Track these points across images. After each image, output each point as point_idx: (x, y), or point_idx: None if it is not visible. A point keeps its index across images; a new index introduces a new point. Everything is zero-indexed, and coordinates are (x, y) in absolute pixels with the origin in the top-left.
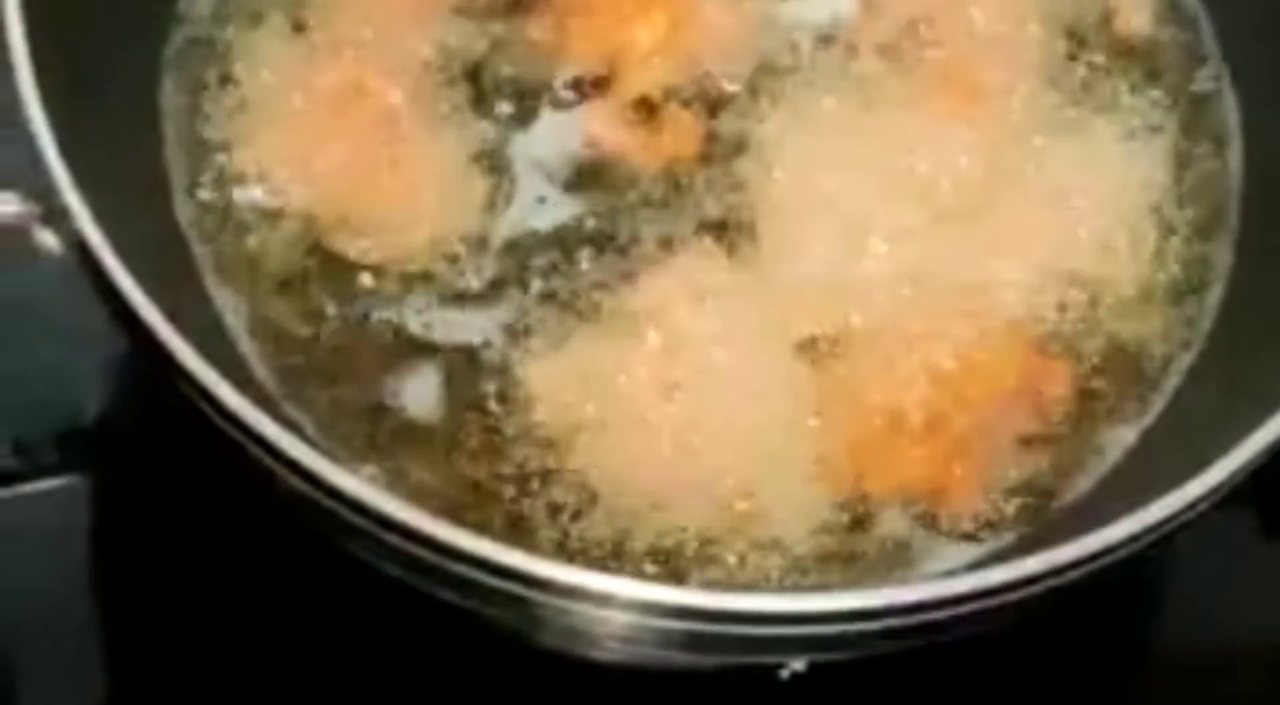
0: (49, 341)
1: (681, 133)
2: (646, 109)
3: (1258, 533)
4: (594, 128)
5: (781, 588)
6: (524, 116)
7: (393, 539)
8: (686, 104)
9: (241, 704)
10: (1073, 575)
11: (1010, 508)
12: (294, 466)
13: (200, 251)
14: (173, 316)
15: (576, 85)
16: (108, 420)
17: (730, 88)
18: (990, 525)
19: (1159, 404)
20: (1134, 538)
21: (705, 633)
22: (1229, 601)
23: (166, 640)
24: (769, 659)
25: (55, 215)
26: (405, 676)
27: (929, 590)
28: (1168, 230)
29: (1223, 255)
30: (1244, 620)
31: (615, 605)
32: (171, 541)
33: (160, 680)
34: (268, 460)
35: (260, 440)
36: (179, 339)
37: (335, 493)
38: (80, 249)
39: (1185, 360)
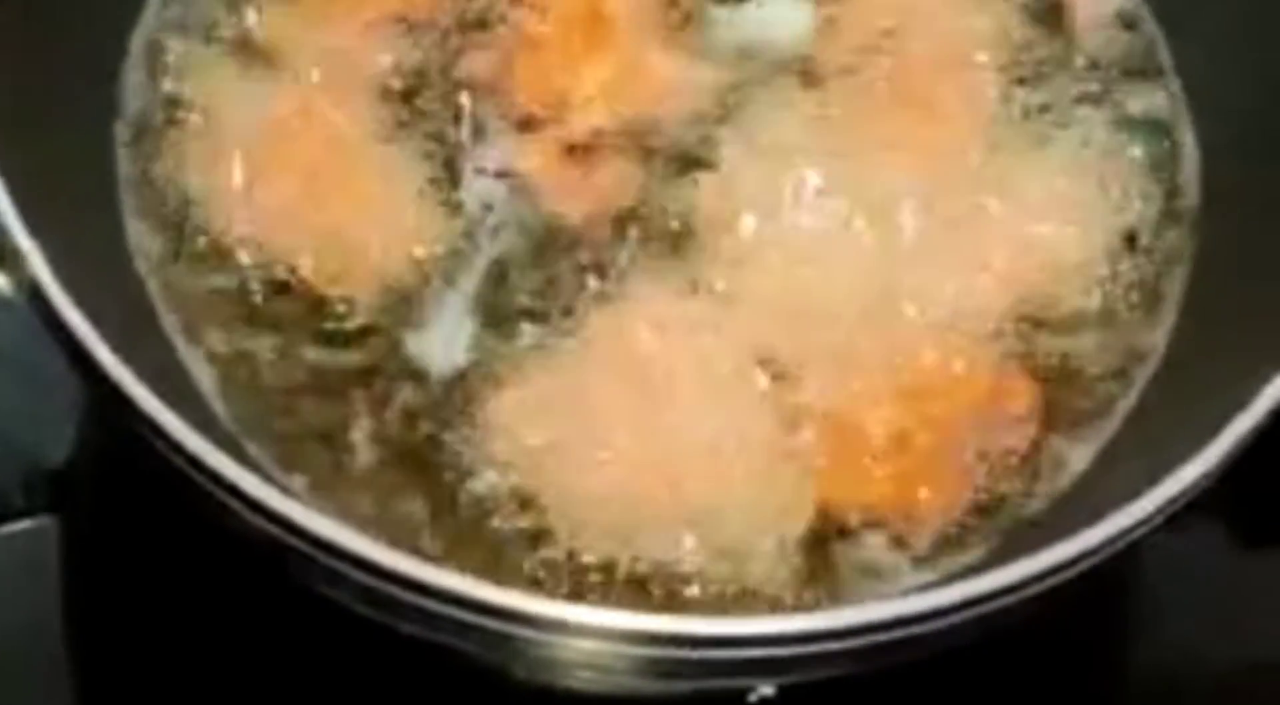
0: (12, 385)
1: (619, 178)
2: (585, 151)
3: (1235, 546)
4: (535, 167)
5: (750, 611)
6: (473, 147)
7: (355, 574)
8: (627, 146)
9: None
10: (1033, 589)
11: (976, 524)
12: (251, 503)
13: (156, 288)
14: (129, 357)
15: (521, 123)
16: (73, 462)
17: (677, 125)
18: (957, 542)
19: (1118, 418)
20: (1089, 553)
21: (670, 658)
22: (1207, 616)
23: (134, 679)
24: (738, 683)
25: (8, 257)
26: None
27: (888, 609)
28: (1124, 246)
29: (1178, 270)
30: (1222, 635)
31: (577, 633)
32: (138, 581)
33: None
34: (227, 498)
35: (217, 478)
36: (132, 378)
37: (293, 527)
38: (33, 291)
39: (1143, 375)
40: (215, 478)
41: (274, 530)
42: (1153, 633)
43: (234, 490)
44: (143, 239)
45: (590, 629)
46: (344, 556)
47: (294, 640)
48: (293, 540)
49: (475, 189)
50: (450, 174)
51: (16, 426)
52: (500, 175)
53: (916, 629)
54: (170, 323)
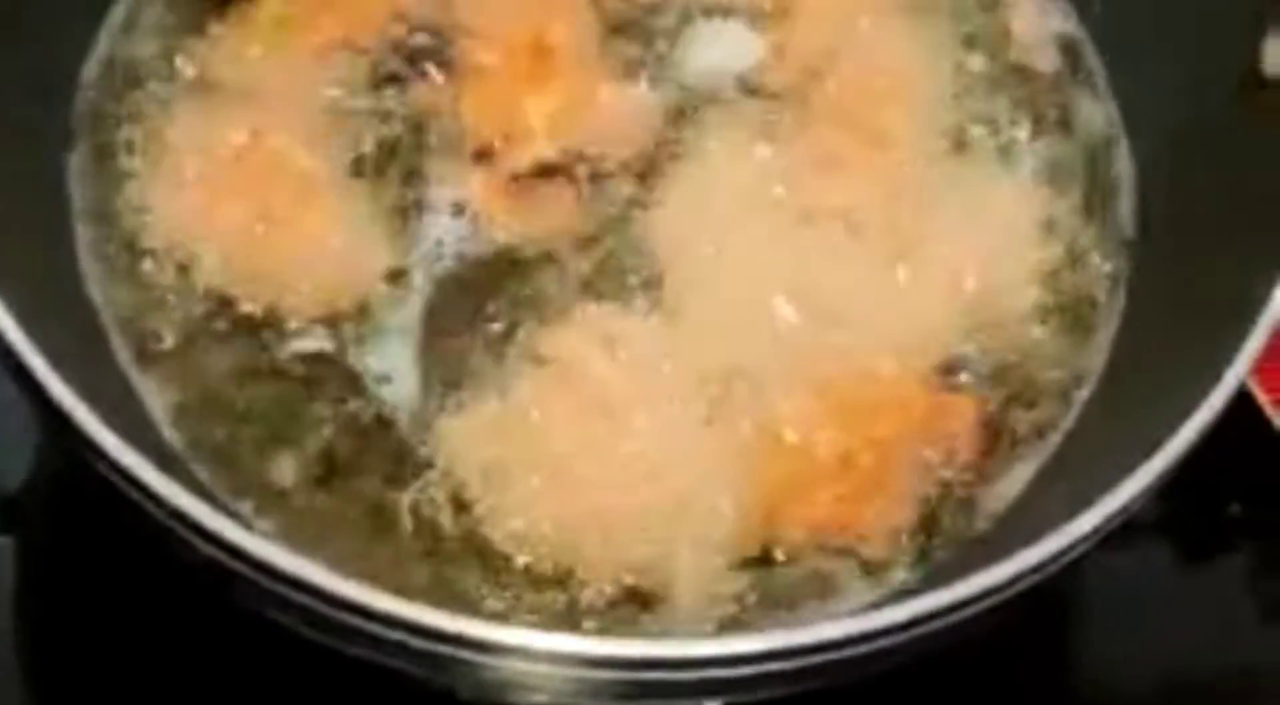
0: None
1: (568, 206)
2: (533, 180)
3: (1177, 563)
4: (484, 196)
5: (700, 628)
6: (423, 176)
7: (297, 597)
8: (575, 175)
9: None
10: (974, 609)
11: (920, 542)
12: (193, 527)
13: (108, 315)
14: (78, 382)
15: (470, 153)
16: (30, 486)
17: (625, 153)
18: (901, 560)
19: (1059, 436)
20: (1028, 571)
21: (612, 680)
22: (1150, 632)
23: (85, 694)
24: (682, 703)
25: None
26: None
27: (831, 630)
28: (1062, 267)
29: (1118, 291)
30: (1166, 649)
31: (520, 657)
32: (92, 601)
33: None
34: (168, 521)
35: (158, 501)
36: (76, 401)
37: (233, 551)
38: None
39: (1081, 395)
40: (156, 500)
41: (215, 553)
42: (1095, 647)
43: (175, 513)
44: (95, 265)
45: (533, 653)
46: (285, 580)
47: (244, 662)
48: (233, 564)
49: (425, 217)
50: (400, 203)
51: None
52: (450, 205)
53: (859, 649)
54: (122, 348)
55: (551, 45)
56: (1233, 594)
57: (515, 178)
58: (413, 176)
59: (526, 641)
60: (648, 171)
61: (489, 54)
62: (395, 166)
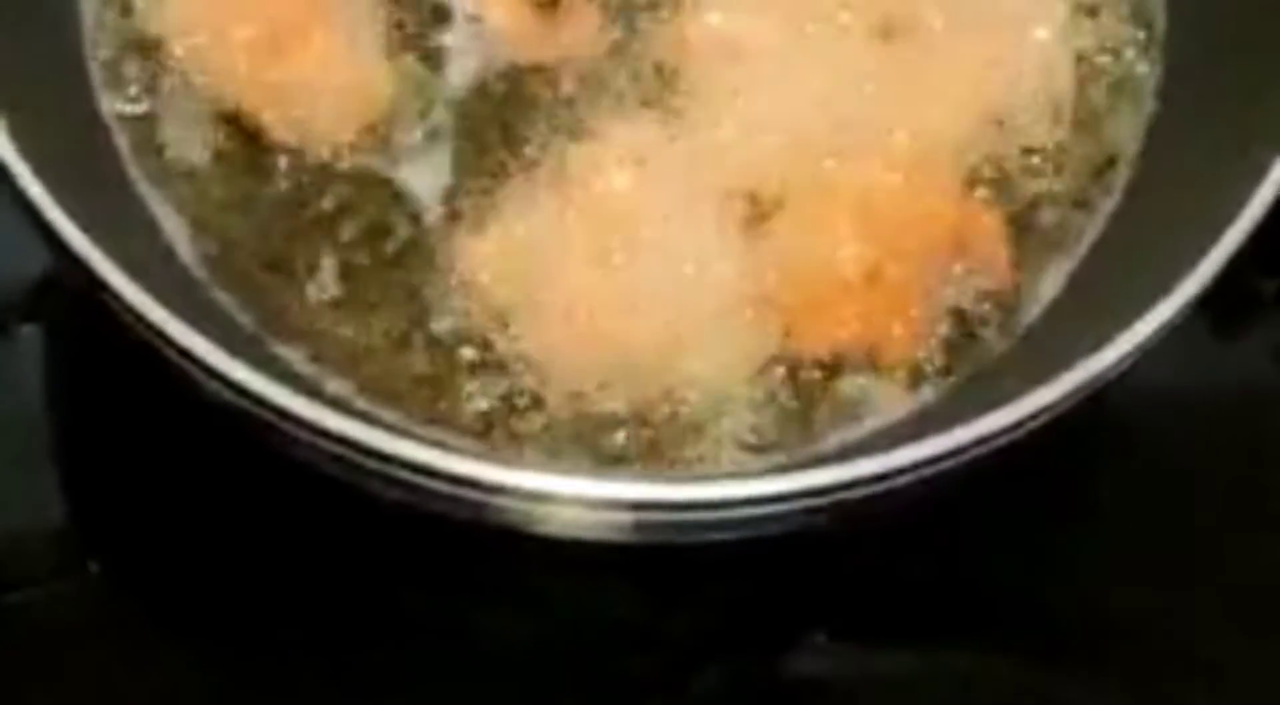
0: None
1: (589, 23)
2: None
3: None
4: (503, 15)
5: (723, 455)
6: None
7: (312, 439)
8: None
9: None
10: (1003, 440)
11: (950, 357)
12: (219, 377)
13: (122, 140)
14: (92, 215)
15: None
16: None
17: None
18: (927, 374)
19: (1088, 243)
20: (1060, 401)
21: (633, 521)
22: (1178, 407)
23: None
24: (700, 538)
25: None
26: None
27: (852, 470)
28: (1088, 73)
29: (1143, 97)
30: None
31: (530, 498)
32: (124, 390)
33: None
34: (187, 366)
35: (176, 346)
36: (90, 244)
37: (262, 401)
38: None
39: (1112, 201)
40: (173, 345)
41: (239, 401)
42: (1122, 423)
43: (191, 357)
44: (111, 91)
45: (542, 495)
46: (303, 425)
47: (264, 493)
48: (260, 413)
49: (445, 34)
50: (419, 17)
51: None
52: (470, 19)
53: (890, 484)
54: (138, 172)
55: None
56: (1262, 367)
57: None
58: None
59: (536, 485)
60: None
61: None
62: None
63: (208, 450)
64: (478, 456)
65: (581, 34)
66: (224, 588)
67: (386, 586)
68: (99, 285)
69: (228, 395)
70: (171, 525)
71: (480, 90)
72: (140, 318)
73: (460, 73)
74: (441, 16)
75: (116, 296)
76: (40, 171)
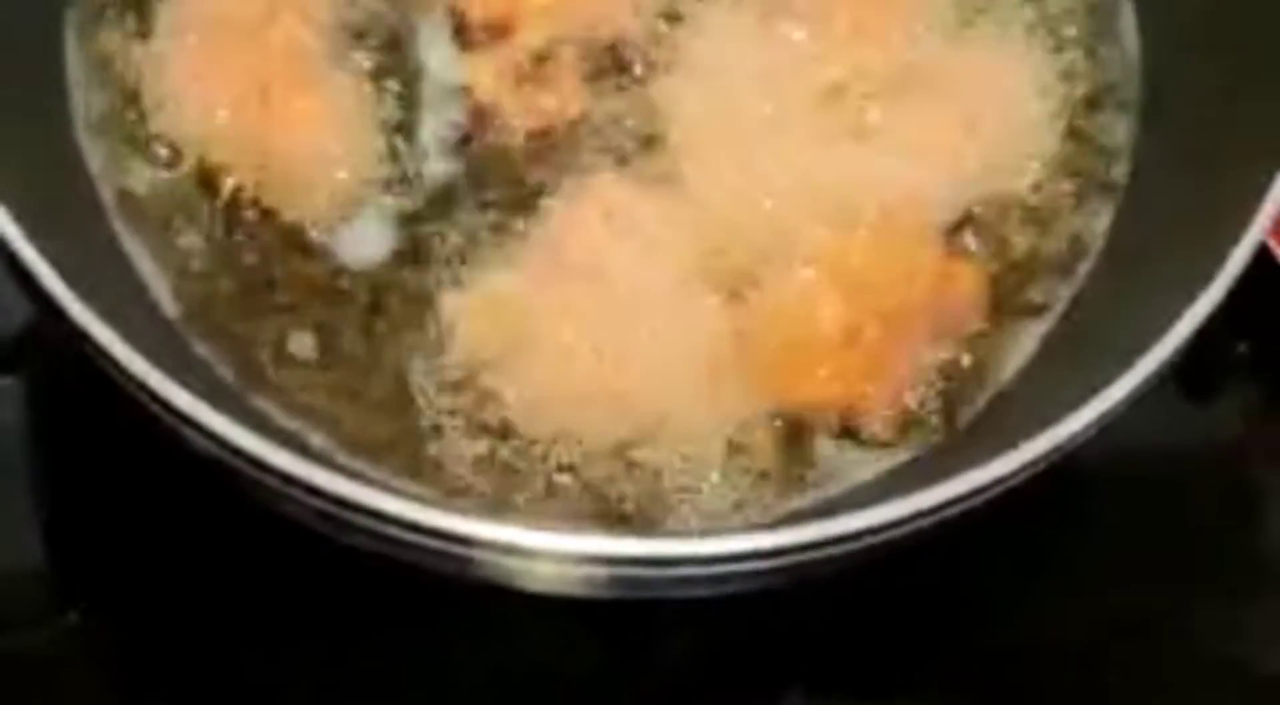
0: None
1: (571, 89)
2: (536, 66)
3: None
4: (485, 83)
5: (700, 511)
6: (424, 60)
7: (292, 492)
8: (577, 57)
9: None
10: (974, 501)
11: (925, 416)
12: (195, 426)
13: (105, 193)
14: (73, 270)
15: (470, 39)
16: (35, 323)
17: (627, 32)
18: (903, 434)
19: (1065, 304)
20: (1035, 460)
21: (609, 576)
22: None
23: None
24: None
25: None
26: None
27: (829, 528)
28: (1066, 136)
29: (1120, 161)
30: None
31: (504, 552)
32: (103, 440)
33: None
34: (170, 420)
35: (161, 401)
36: (75, 299)
37: (239, 452)
38: None
39: (1088, 264)
40: (155, 397)
41: (219, 452)
42: (1097, 485)
43: (171, 409)
44: (94, 145)
45: (516, 548)
46: (281, 476)
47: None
48: (239, 464)
49: (425, 100)
50: (400, 85)
51: None
52: (452, 90)
53: (859, 544)
54: (122, 228)
55: None
56: (1236, 433)
57: (519, 64)
58: (414, 61)
59: (515, 539)
60: (651, 49)
61: None
62: (397, 50)
63: (187, 501)
64: (457, 511)
65: (562, 99)
66: (202, 638)
67: (364, 636)
68: (80, 336)
69: (208, 447)
70: (150, 575)
71: (461, 152)
72: (122, 369)
73: (441, 137)
74: (422, 83)
75: (98, 348)
76: (21, 222)
